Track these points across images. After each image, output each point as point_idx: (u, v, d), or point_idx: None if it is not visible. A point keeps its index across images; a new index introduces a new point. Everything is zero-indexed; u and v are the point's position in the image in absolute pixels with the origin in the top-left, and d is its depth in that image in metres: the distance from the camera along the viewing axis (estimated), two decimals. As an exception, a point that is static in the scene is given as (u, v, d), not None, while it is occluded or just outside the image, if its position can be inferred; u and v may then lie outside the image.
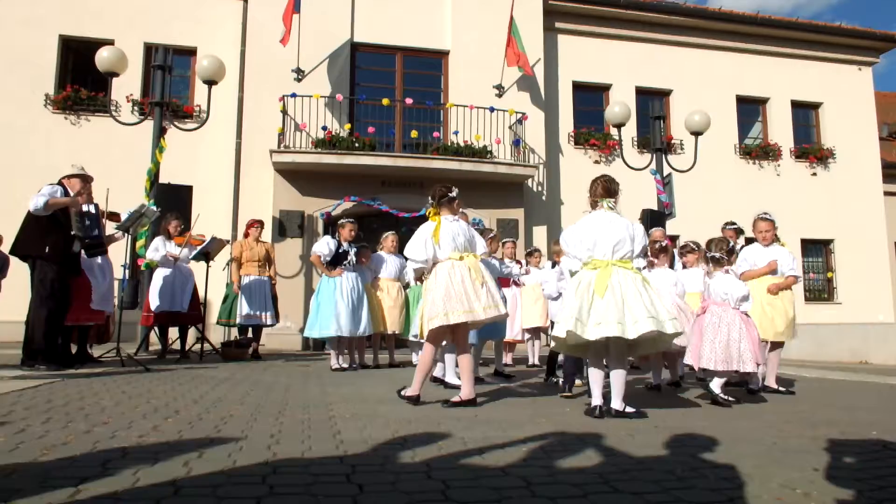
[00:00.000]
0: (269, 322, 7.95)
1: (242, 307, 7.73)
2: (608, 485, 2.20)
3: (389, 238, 7.49)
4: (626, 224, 4.06)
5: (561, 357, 5.15)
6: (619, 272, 3.92)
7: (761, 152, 14.68)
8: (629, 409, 3.85)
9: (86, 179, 5.99)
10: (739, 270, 5.42)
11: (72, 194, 5.77)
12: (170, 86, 9.06)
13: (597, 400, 3.90)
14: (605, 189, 4.18)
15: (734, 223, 6.32)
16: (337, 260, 6.80)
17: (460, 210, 4.74)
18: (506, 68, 12.50)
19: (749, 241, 6.12)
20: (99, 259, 6.38)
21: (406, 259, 4.56)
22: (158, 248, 7.48)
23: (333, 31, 12.04)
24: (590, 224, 4.10)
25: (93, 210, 5.98)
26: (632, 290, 3.85)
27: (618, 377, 3.92)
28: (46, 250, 5.51)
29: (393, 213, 11.38)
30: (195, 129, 9.88)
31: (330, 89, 11.84)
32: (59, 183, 5.80)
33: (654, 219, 9.57)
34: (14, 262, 9.19)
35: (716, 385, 4.55)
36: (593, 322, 3.82)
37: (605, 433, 3.16)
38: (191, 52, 12.15)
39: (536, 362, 7.88)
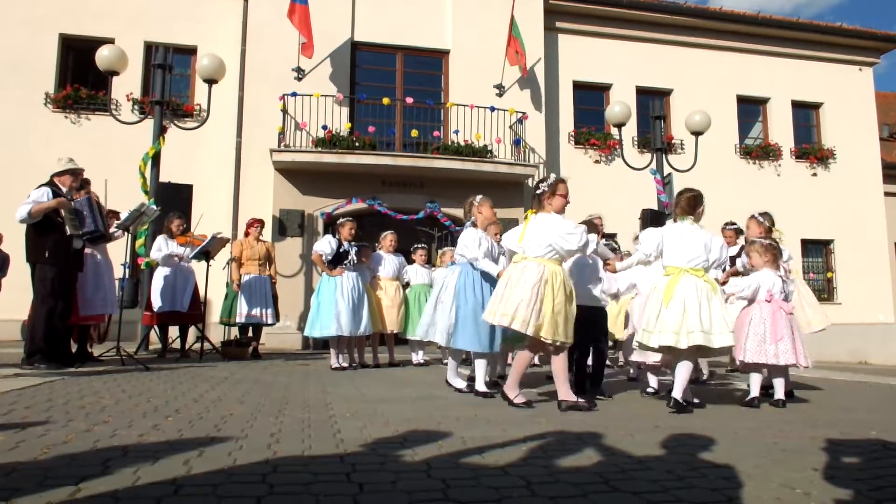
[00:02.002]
0: (269, 321, 7.96)
1: (242, 306, 7.74)
2: (608, 484, 2.20)
3: (388, 237, 7.50)
4: (706, 237, 4.30)
5: None
6: (687, 281, 4.17)
7: (762, 152, 14.68)
8: (687, 402, 4.18)
9: (75, 173, 5.89)
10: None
11: (64, 191, 5.71)
12: (170, 85, 9.05)
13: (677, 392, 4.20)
14: (688, 204, 4.41)
15: (734, 223, 6.32)
16: (338, 259, 6.80)
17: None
18: (506, 68, 12.50)
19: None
20: (98, 256, 6.37)
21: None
22: (161, 249, 7.48)
23: (334, 31, 12.04)
24: (670, 231, 4.39)
25: (85, 205, 5.82)
26: (693, 301, 4.12)
27: (682, 369, 4.20)
28: (46, 255, 5.50)
29: (391, 214, 11.36)
30: (195, 128, 9.88)
31: (330, 88, 11.84)
32: (50, 181, 5.72)
33: (654, 218, 9.57)
34: (13, 260, 9.23)
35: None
36: (657, 330, 4.18)
37: (605, 433, 3.16)
38: (191, 51, 12.15)
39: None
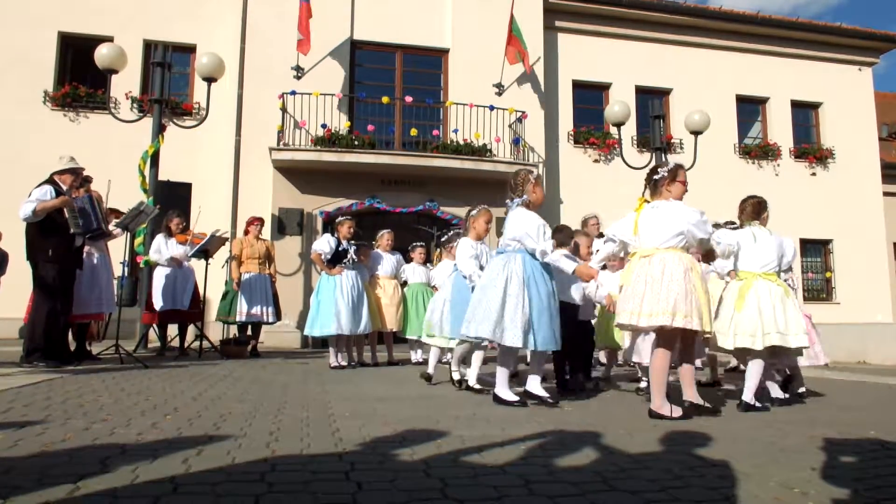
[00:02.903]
0: (270, 319, 7.97)
1: (242, 305, 7.74)
2: (606, 483, 2.20)
3: (385, 236, 7.50)
4: (778, 241, 4.42)
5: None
6: (761, 285, 4.28)
7: (761, 152, 14.69)
8: (757, 404, 4.20)
9: (77, 172, 5.89)
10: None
11: (64, 189, 5.71)
12: (169, 83, 9.04)
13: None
14: (753, 210, 4.58)
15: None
16: (337, 258, 6.80)
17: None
18: (506, 67, 12.49)
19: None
20: (96, 255, 6.36)
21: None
22: (161, 250, 7.47)
23: (333, 29, 12.03)
24: (744, 236, 4.49)
25: (87, 203, 5.87)
26: (768, 304, 4.22)
27: (753, 372, 4.26)
28: (50, 253, 5.50)
29: (390, 209, 11.36)
30: (194, 126, 9.87)
31: (330, 87, 11.83)
32: (51, 179, 5.72)
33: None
34: (13, 258, 9.22)
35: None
36: (732, 333, 4.26)
37: (604, 432, 3.16)
38: (190, 50, 12.14)
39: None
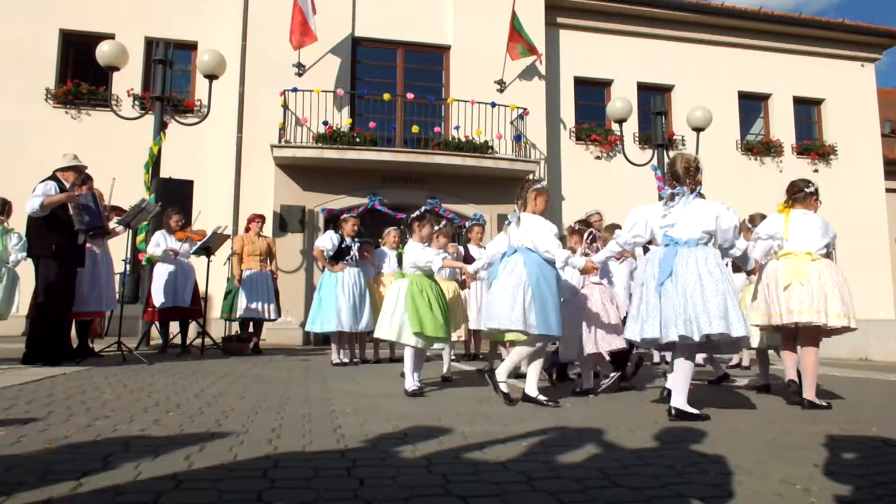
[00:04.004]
0: (272, 316, 7.98)
1: (243, 301, 7.75)
2: (608, 479, 2.20)
3: (392, 233, 7.47)
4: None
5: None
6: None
7: (763, 148, 14.66)
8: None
9: (79, 171, 5.89)
10: None
11: (67, 186, 5.71)
12: (171, 80, 9.05)
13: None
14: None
15: None
16: (339, 255, 6.80)
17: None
18: (507, 63, 12.47)
19: None
20: (98, 253, 6.37)
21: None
22: (160, 244, 7.47)
23: (334, 26, 12.02)
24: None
25: (90, 200, 5.90)
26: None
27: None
28: (53, 249, 5.51)
29: (391, 214, 11.29)
30: (196, 123, 9.88)
31: (331, 84, 11.82)
32: (53, 176, 5.72)
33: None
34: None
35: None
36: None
37: (605, 428, 3.16)
38: (192, 47, 12.14)
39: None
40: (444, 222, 5.05)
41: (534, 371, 4.24)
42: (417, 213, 4.84)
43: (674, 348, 3.82)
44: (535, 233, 4.24)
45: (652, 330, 3.71)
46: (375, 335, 4.86)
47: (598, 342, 4.68)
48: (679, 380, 3.71)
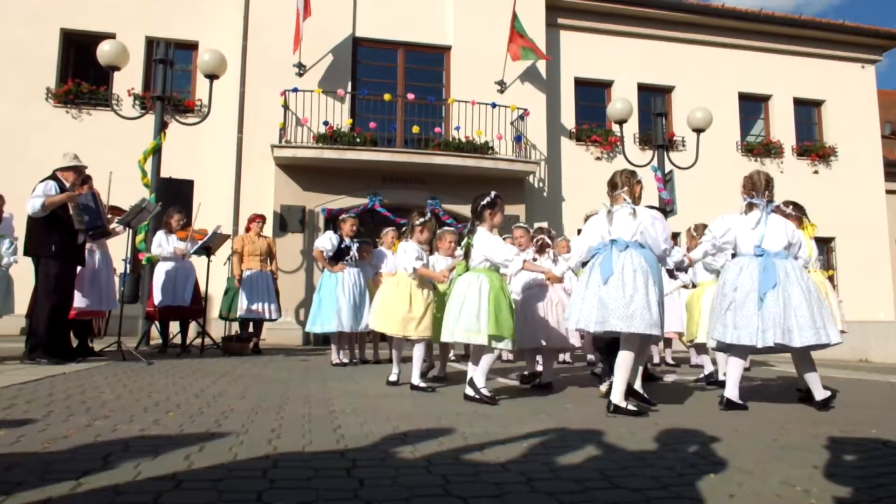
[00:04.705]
0: (272, 316, 7.97)
1: (244, 301, 7.75)
2: (608, 481, 2.20)
3: (390, 234, 7.49)
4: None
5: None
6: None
7: (763, 150, 14.66)
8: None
9: (79, 171, 5.90)
10: None
11: (67, 186, 5.71)
12: (171, 80, 9.04)
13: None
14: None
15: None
16: (339, 255, 6.80)
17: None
18: (508, 64, 12.47)
19: None
20: (98, 253, 6.37)
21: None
22: (162, 245, 7.47)
23: (335, 26, 12.03)
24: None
25: (91, 200, 5.93)
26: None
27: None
28: (53, 249, 5.51)
29: (390, 217, 11.25)
30: (196, 123, 9.87)
31: (331, 84, 11.82)
32: (53, 176, 5.73)
33: (655, 216, 9.55)
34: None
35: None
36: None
37: (606, 430, 3.16)
38: (192, 47, 12.14)
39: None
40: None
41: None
42: (488, 198, 4.32)
43: (727, 349, 4.17)
44: (653, 228, 3.99)
45: (749, 336, 3.93)
46: (457, 339, 4.23)
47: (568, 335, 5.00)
48: (732, 375, 4.07)
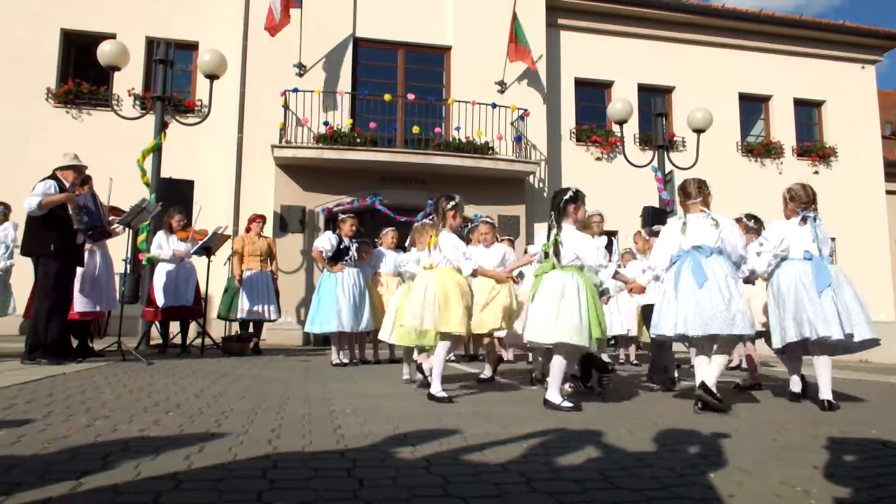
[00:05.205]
0: (272, 317, 7.97)
1: (244, 302, 7.75)
2: (608, 481, 2.20)
3: (389, 234, 7.49)
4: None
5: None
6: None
7: (763, 150, 14.66)
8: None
9: (79, 171, 5.90)
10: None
11: (67, 186, 5.71)
12: (171, 80, 9.04)
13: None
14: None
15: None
16: (338, 256, 6.80)
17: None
18: (508, 64, 12.47)
19: None
20: (98, 253, 6.37)
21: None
22: (162, 246, 7.47)
23: (335, 26, 12.03)
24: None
25: (90, 200, 5.92)
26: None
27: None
28: (52, 248, 5.51)
29: (391, 215, 11.28)
30: (197, 123, 9.87)
31: (332, 84, 11.82)
32: (53, 175, 5.72)
33: (655, 216, 9.55)
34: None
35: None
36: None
37: (606, 430, 3.16)
38: (192, 47, 12.14)
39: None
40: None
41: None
42: (570, 192, 4.12)
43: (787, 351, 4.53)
44: (732, 236, 4.24)
45: (812, 330, 4.18)
46: (559, 340, 3.87)
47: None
48: (824, 375, 4.34)
